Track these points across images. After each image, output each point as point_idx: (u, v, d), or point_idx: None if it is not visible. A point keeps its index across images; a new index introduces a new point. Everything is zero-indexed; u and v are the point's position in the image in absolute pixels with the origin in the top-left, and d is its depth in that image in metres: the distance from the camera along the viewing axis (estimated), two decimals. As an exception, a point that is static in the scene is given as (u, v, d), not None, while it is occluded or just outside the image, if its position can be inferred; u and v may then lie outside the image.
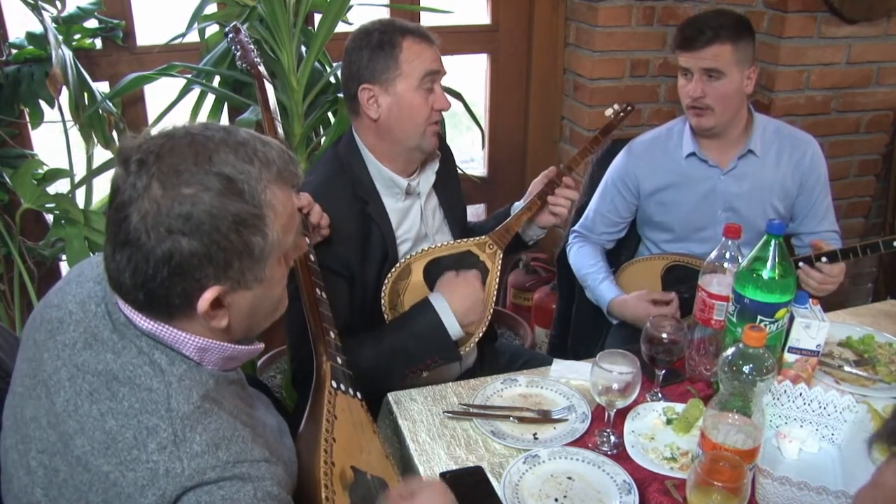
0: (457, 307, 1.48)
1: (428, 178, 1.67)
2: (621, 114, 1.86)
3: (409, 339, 1.48)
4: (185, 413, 0.87)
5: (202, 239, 0.85)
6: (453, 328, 1.48)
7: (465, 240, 1.65)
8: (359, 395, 1.22)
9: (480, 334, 1.57)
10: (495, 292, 1.61)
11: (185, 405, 0.87)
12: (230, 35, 1.65)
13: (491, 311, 1.59)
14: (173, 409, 0.87)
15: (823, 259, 1.72)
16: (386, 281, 1.55)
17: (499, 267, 1.63)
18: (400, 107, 1.53)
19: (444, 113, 1.60)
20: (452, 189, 1.78)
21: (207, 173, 0.86)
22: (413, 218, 1.66)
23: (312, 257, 1.35)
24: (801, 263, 1.74)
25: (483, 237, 1.64)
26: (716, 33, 1.79)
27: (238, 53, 1.61)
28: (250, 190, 0.88)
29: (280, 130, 1.50)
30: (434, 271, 1.59)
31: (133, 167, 0.85)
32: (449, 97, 1.60)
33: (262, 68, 1.59)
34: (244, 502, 0.85)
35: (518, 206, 1.74)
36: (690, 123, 1.93)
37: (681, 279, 1.95)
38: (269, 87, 1.57)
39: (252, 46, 1.62)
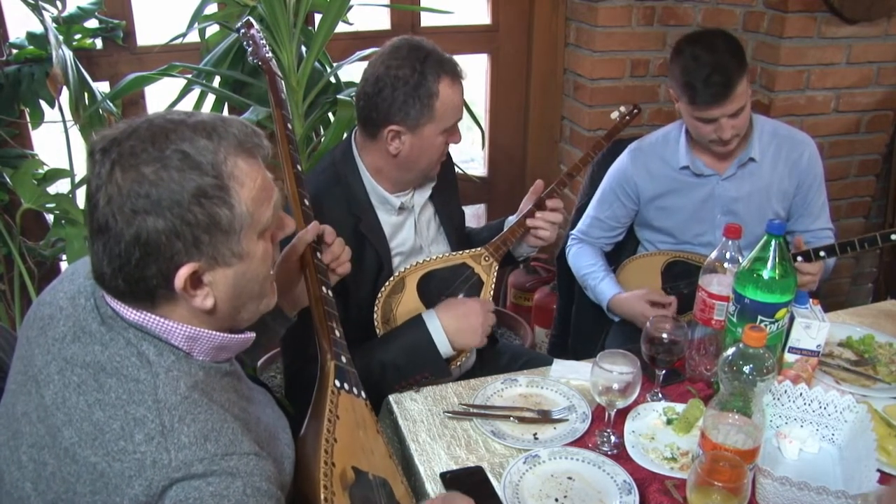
0: (448, 324, 1.46)
1: (422, 193, 1.66)
2: (627, 116, 1.84)
3: (399, 354, 1.46)
4: (173, 404, 0.87)
5: (165, 215, 0.86)
6: (443, 345, 1.46)
7: (460, 252, 1.63)
8: (363, 394, 1.22)
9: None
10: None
11: (173, 396, 0.88)
12: (242, 30, 1.63)
13: None
14: (160, 400, 0.87)
15: (822, 254, 1.71)
16: (379, 296, 1.54)
17: (493, 279, 1.61)
18: (422, 147, 1.54)
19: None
20: (450, 196, 1.76)
21: (164, 151, 0.87)
22: (407, 232, 1.65)
23: (319, 254, 1.34)
24: (799, 258, 1.73)
25: (479, 249, 1.63)
26: (730, 77, 1.69)
27: (250, 49, 1.59)
28: (209, 162, 0.88)
29: (291, 127, 1.47)
30: (428, 285, 1.57)
31: (98, 156, 0.88)
32: None
33: (273, 64, 1.57)
34: (233, 498, 0.85)
35: (511, 220, 1.73)
36: (716, 152, 1.87)
37: (680, 275, 1.95)
38: (282, 84, 1.55)
39: (264, 42, 1.60)
